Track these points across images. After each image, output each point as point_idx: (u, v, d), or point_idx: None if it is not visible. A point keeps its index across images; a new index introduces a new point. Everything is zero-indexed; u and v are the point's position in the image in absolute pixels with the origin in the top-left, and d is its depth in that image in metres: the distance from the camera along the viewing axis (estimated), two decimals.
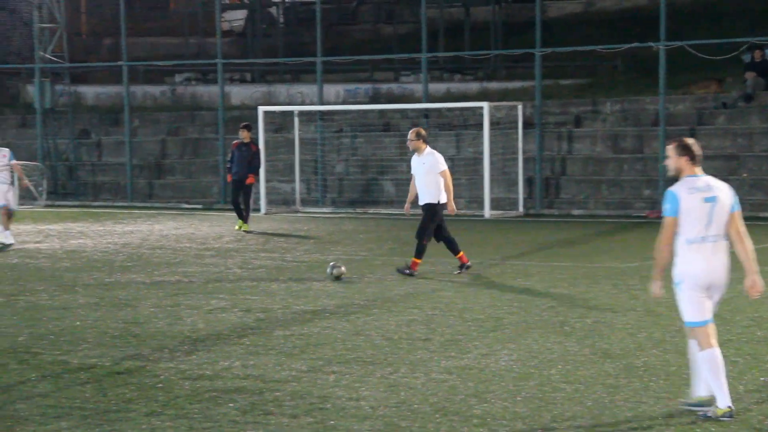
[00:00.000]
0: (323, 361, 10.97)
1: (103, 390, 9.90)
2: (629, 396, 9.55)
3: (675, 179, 9.12)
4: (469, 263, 17.26)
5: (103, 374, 10.51)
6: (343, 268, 16.50)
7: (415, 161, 17.15)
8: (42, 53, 34.83)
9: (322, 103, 32.40)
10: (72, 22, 39.66)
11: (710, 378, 8.80)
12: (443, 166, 16.91)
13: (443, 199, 16.94)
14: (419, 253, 17.01)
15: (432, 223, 16.95)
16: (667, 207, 8.90)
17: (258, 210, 29.07)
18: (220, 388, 9.92)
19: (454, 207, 17.21)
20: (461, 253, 17.25)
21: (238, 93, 38.06)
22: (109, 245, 21.83)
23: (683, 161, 8.98)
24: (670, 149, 9.03)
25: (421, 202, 17.03)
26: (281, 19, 45.58)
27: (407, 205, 17.67)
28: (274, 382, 10.13)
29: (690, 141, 9.06)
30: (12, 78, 40.22)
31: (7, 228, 21.48)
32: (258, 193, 29.54)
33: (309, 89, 35.34)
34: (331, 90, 35.30)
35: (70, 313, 13.90)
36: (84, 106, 37.92)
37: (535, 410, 9.13)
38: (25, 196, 32.40)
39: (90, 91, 39.08)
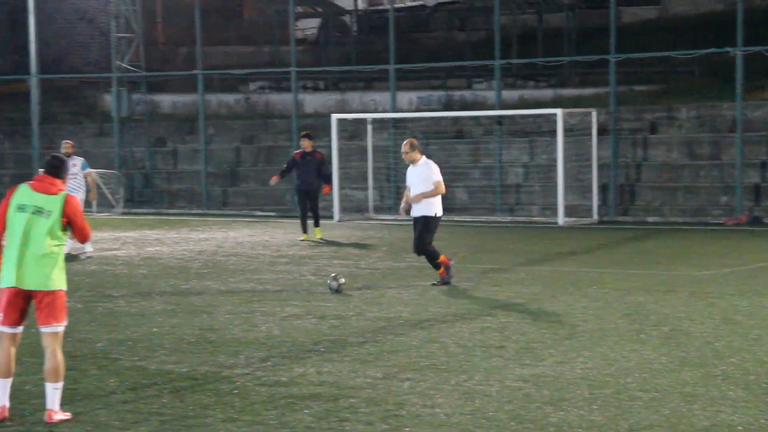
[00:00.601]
0: (398, 368, 10.98)
1: (181, 396, 9.99)
2: (707, 405, 9.45)
3: None
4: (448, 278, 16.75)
5: (180, 380, 10.62)
6: (342, 280, 16.29)
7: (411, 172, 16.90)
8: (119, 63, 35.32)
9: (395, 111, 32.46)
10: (148, 32, 40.14)
11: None
12: (438, 176, 16.62)
13: (439, 212, 16.68)
14: (434, 259, 16.75)
15: (428, 233, 16.61)
16: None
17: (331, 217, 29.21)
18: (296, 395, 9.97)
19: (414, 201, 16.59)
20: (442, 270, 16.79)
21: (312, 101, 38.25)
22: (185, 252, 22.05)
23: None
24: None
25: (416, 214, 16.69)
26: (354, 27, 45.76)
27: (404, 206, 17.50)
28: (348, 389, 10.16)
29: None
30: (90, 87, 40.80)
31: None
32: (331, 200, 29.70)
33: (382, 97, 35.41)
34: (404, 97, 35.35)
35: (147, 320, 14.06)
36: (160, 114, 38.37)
37: (612, 418, 9.06)
38: (103, 203, 32.86)
39: (166, 100, 39.52)
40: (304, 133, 24.88)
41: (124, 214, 32.94)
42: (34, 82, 36.13)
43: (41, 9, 36.25)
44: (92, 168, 32.79)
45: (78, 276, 18.09)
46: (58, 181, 9.29)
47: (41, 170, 9.57)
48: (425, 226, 16.63)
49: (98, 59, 38.42)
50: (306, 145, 24.05)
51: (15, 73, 39.27)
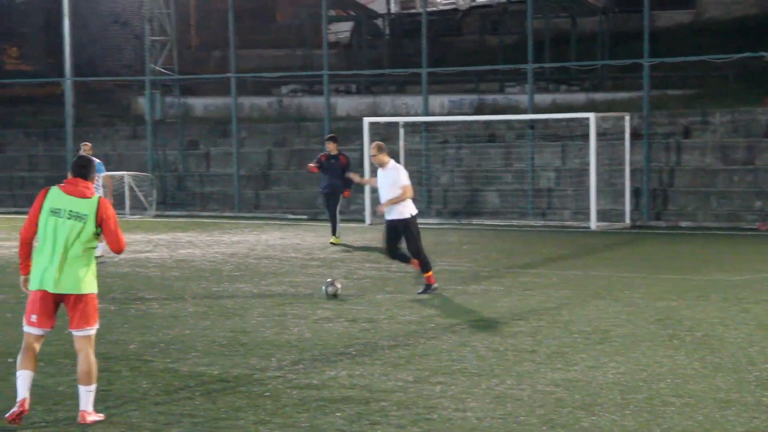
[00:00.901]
0: (429, 372, 10.98)
1: (213, 398, 10.02)
2: (741, 411, 9.39)
3: None
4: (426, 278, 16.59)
5: (212, 382, 10.65)
6: (338, 285, 16.17)
7: (380, 175, 16.79)
8: (153, 66, 35.49)
9: (428, 114, 32.46)
10: (182, 35, 40.29)
11: None
12: (406, 180, 16.47)
13: (414, 211, 16.52)
14: (426, 267, 16.58)
15: (414, 236, 16.41)
16: None
17: (363, 220, 29.24)
18: (327, 398, 9.98)
19: (384, 209, 16.50)
20: (415, 262, 16.63)
21: (344, 104, 38.30)
22: (217, 255, 22.12)
23: None
24: None
25: (389, 217, 16.51)
26: (387, 31, 45.79)
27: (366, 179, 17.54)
28: (380, 392, 10.16)
29: None
30: (123, 90, 41.02)
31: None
32: (363, 203, 29.72)
33: (414, 100, 35.42)
34: (436, 101, 35.34)
35: (179, 322, 14.11)
36: (193, 117, 38.51)
37: (644, 424, 9.02)
38: (136, 206, 33.02)
39: (199, 103, 39.66)
40: (329, 136, 24.89)
41: (156, 216, 33.07)
42: (68, 85, 36.35)
43: (76, 12, 36.46)
44: (126, 171, 33.22)
45: (111, 278, 18.18)
46: (89, 184, 9.28)
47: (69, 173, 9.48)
48: (408, 231, 16.44)
49: (132, 62, 38.63)
50: (331, 148, 24.05)
51: (50, 76, 39.55)
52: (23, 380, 9.06)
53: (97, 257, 9.34)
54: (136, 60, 37.45)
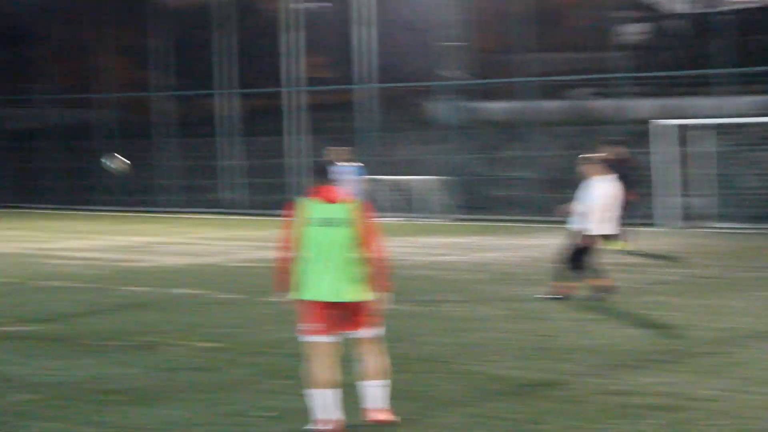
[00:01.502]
0: (744, 381, 10.54)
1: (518, 401, 9.95)
2: None
3: None
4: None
5: (519, 386, 10.59)
6: (121, 161, 15.43)
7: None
8: (447, 71, 35.89)
9: (729, 116, 31.42)
10: (476, 40, 40.57)
11: None
12: (592, 199, 16.35)
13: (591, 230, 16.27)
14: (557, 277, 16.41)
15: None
16: None
17: (652, 225, 28.57)
18: (636, 404, 9.72)
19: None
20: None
21: (638, 107, 37.51)
22: (520, 258, 22.09)
23: None
24: None
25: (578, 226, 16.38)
26: (687, 31, 44.64)
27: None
28: (691, 401, 9.82)
29: None
30: (418, 96, 41.68)
31: None
32: (651, 208, 29.00)
33: (712, 101, 34.29)
34: (737, 102, 34.13)
35: (482, 324, 14.15)
36: (487, 121, 38.69)
37: None
38: (435, 210, 33.48)
39: (493, 107, 39.80)
40: (610, 139, 24.37)
41: (454, 220, 33.39)
42: (369, 92, 37.22)
43: (370, 21, 37.32)
44: (422, 175, 33.81)
45: (413, 280, 18.38)
46: (338, 188, 9.07)
47: (316, 180, 9.16)
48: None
49: (425, 67, 39.22)
50: (608, 152, 23.29)
51: (347, 83, 40.60)
52: (326, 399, 8.82)
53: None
54: (430, 65, 38.00)
